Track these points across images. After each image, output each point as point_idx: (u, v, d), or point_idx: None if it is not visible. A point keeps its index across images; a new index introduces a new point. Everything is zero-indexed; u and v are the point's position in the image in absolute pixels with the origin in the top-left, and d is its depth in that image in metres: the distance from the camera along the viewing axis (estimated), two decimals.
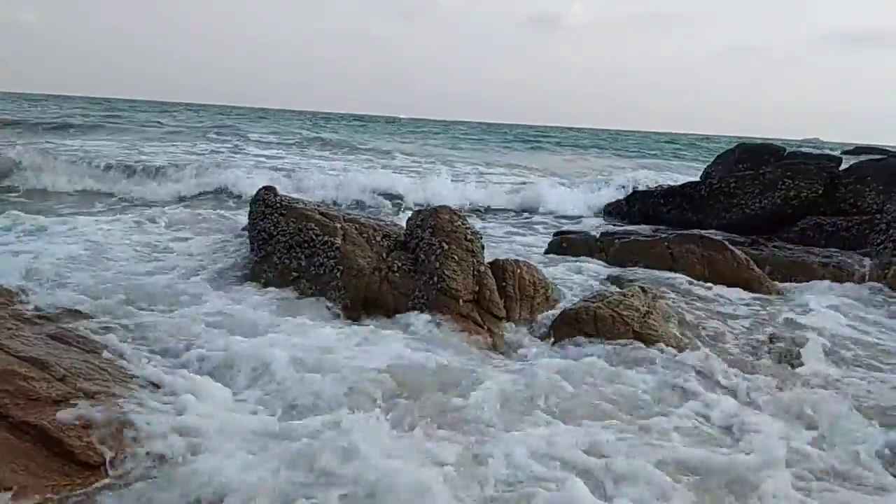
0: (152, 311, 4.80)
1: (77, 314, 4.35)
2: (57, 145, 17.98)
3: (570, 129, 79.33)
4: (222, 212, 9.10)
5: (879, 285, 6.76)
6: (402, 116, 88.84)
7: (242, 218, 7.50)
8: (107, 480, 2.71)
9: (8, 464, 2.57)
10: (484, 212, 12.85)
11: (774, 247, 8.23)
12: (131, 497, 2.64)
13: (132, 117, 34.22)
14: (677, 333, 5.06)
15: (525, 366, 4.39)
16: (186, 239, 7.36)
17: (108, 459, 2.79)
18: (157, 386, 3.45)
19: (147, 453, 2.88)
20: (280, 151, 21.31)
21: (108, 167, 13.52)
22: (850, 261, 7.46)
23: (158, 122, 30.60)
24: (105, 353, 3.66)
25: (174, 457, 2.89)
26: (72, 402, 3.00)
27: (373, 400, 3.62)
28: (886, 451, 3.35)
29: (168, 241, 7.19)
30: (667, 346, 4.73)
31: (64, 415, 2.90)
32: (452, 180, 14.81)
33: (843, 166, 10.30)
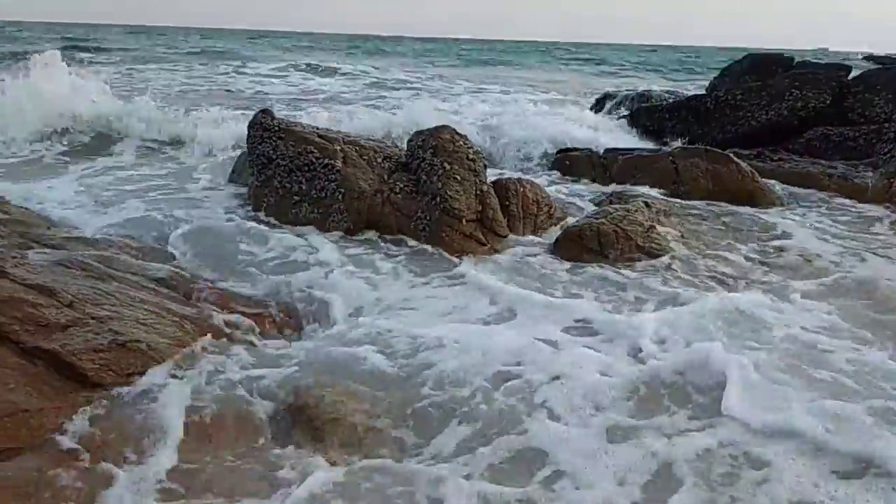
0: None
1: (82, 240, 4.38)
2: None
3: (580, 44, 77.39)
4: None
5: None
6: (384, 34, 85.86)
7: None
8: (121, 400, 2.77)
9: (22, 388, 2.62)
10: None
11: (780, 159, 8.13)
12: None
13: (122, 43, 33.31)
14: (681, 246, 5.06)
15: None
16: None
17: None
18: (167, 309, 3.50)
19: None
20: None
21: None
22: (854, 172, 7.39)
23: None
24: (111, 280, 3.68)
25: None
26: (81, 326, 3.04)
27: None
28: None
29: None
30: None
31: (74, 339, 2.94)
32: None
33: (853, 75, 10.06)
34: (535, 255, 4.97)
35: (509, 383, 3.07)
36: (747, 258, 5.05)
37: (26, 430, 2.50)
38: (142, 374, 2.93)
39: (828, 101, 9.25)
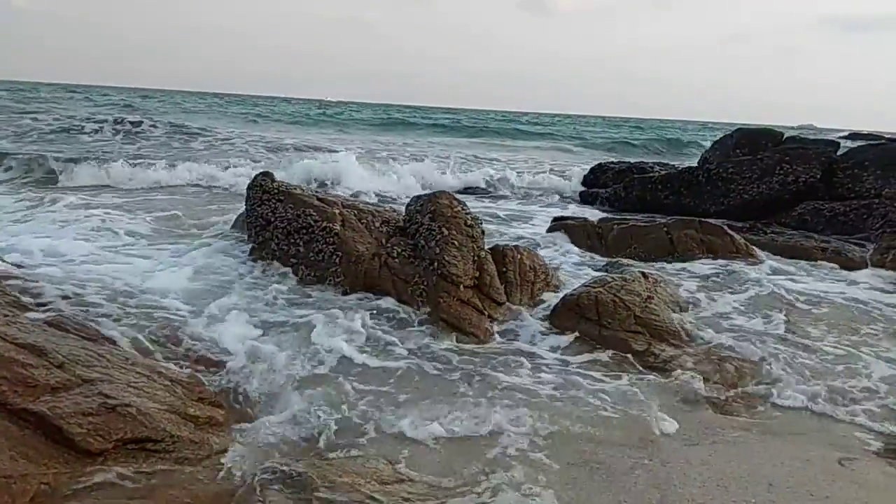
0: None
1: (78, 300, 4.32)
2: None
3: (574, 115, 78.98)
4: None
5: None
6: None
7: None
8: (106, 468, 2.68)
9: (7, 452, 2.53)
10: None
11: (773, 232, 8.23)
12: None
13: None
14: (677, 318, 5.04)
15: None
16: None
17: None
18: (158, 372, 3.42)
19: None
20: None
21: None
22: (848, 246, 7.47)
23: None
24: (104, 341, 3.62)
25: None
26: (71, 388, 2.96)
27: None
28: None
29: None
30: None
31: (63, 402, 2.85)
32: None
33: (841, 151, 10.30)
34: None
35: None
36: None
37: (7, 497, 2.40)
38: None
39: (818, 176, 9.44)
